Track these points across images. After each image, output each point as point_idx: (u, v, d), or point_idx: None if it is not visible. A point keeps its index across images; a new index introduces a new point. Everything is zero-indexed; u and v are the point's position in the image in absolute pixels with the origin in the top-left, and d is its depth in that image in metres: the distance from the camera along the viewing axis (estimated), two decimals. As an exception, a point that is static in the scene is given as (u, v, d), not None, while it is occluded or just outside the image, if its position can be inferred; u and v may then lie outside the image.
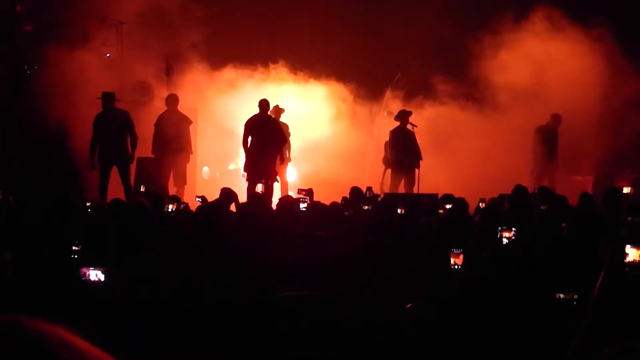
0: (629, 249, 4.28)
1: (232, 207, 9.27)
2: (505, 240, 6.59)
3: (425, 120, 15.91)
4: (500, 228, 6.76)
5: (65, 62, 13.89)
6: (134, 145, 12.94)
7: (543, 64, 15.92)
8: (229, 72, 16.43)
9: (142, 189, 12.26)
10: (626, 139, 15.38)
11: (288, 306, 4.88)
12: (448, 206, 9.71)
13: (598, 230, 5.86)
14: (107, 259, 5.33)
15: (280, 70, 16.84)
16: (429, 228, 6.86)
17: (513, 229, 6.71)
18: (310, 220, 8.36)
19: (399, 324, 4.20)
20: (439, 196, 10.96)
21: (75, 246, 6.17)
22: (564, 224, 6.23)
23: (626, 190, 12.65)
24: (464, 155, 15.65)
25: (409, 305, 4.25)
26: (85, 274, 4.95)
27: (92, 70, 14.34)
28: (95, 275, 4.95)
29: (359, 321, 4.43)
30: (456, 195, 10.46)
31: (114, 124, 12.79)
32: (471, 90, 16.63)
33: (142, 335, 4.36)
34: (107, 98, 12.86)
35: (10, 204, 8.34)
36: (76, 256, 6.12)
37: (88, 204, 9.24)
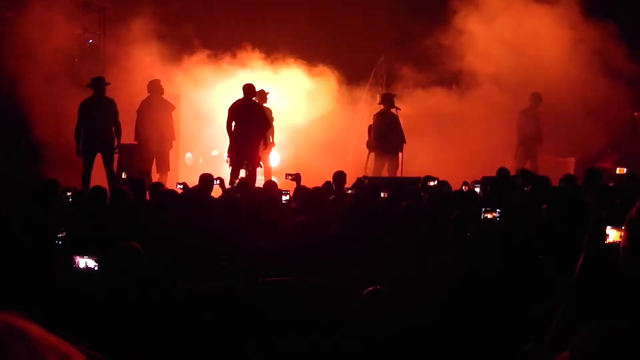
0: (609, 229, 4.29)
1: (213, 193, 9.26)
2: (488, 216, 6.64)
3: (409, 104, 15.93)
4: (483, 209, 6.80)
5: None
6: (118, 135, 12.85)
7: (524, 45, 15.92)
8: (209, 57, 16.37)
9: (124, 175, 12.21)
10: (610, 119, 15.43)
11: (268, 292, 4.88)
12: (431, 183, 9.75)
13: (579, 211, 5.89)
14: (94, 246, 5.29)
15: (258, 54, 16.78)
16: (409, 212, 6.87)
17: (497, 210, 6.74)
18: (293, 206, 8.36)
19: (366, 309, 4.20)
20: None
21: (59, 233, 6.14)
22: (544, 206, 6.25)
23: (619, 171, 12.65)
24: (448, 139, 15.67)
25: (366, 290, 4.25)
26: (75, 261, 4.91)
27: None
28: (85, 263, 4.91)
29: (339, 307, 4.42)
30: (441, 178, 10.50)
31: (101, 111, 12.67)
32: (455, 73, 16.63)
33: (128, 325, 4.35)
34: (98, 83, 12.74)
35: None
36: (60, 242, 6.09)
37: (69, 193, 9.16)
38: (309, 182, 10.53)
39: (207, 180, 9.88)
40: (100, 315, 4.30)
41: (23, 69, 13.41)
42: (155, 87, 13.66)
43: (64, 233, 6.21)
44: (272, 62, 16.87)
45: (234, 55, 16.65)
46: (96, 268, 4.80)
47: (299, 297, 4.88)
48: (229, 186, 10.92)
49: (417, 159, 14.51)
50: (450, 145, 15.41)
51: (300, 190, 9.52)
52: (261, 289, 5.01)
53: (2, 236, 6.03)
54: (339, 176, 10.72)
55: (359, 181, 11.34)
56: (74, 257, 4.86)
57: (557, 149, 15.97)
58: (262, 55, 16.86)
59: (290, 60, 16.95)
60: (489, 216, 6.74)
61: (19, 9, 14.04)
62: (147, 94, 13.64)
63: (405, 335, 4.10)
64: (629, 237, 2.86)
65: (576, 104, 15.01)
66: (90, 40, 15.85)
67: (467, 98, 16.37)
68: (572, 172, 13.09)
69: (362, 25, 17.32)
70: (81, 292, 4.63)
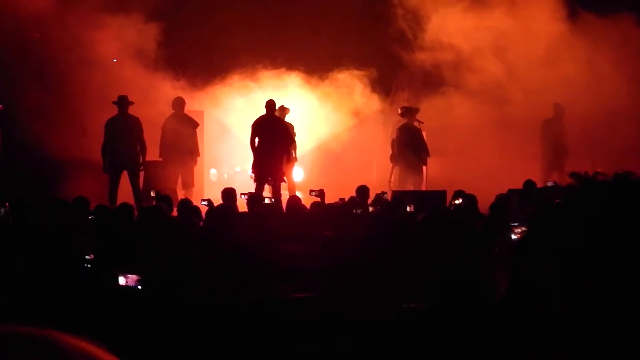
0: None
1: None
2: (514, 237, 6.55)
3: (434, 115, 15.86)
4: (512, 224, 6.70)
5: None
6: (143, 152, 12.99)
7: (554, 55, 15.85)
8: (234, 75, 16.46)
9: (153, 193, 12.24)
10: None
11: (294, 307, 4.89)
12: (457, 202, 9.71)
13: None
14: (130, 263, 5.30)
15: (281, 70, 16.83)
16: (426, 225, 6.86)
17: (522, 229, 6.64)
18: (319, 221, 8.37)
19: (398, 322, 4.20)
20: (447, 193, 10.95)
21: (87, 255, 6.14)
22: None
23: None
24: (472, 151, 15.60)
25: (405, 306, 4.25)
26: (115, 278, 4.91)
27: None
28: (125, 280, 4.92)
29: (363, 320, 4.43)
30: (467, 191, 10.44)
31: (126, 129, 12.84)
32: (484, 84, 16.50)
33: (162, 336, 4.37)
34: (123, 102, 12.91)
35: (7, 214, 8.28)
36: (89, 265, 6.09)
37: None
38: (333, 196, 10.55)
39: (229, 194, 9.93)
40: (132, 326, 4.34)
41: (48, 86, 13.61)
42: (179, 104, 13.77)
43: (92, 255, 6.21)
44: (293, 77, 16.91)
45: (256, 72, 16.71)
46: (133, 285, 4.83)
47: (323, 311, 4.90)
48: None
49: (442, 172, 14.48)
50: (475, 157, 15.33)
51: (322, 205, 9.52)
52: (288, 304, 5.03)
53: (34, 254, 6.09)
54: (363, 191, 10.74)
55: (379, 197, 11.33)
56: (117, 274, 4.88)
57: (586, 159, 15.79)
58: (284, 70, 16.90)
59: (313, 75, 16.98)
60: (517, 231, 6.65)
61: (45, 30, 14.24)
62: (171, 111, 13.76)
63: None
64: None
65: (605, 113, 14.87)
66: (115, 60, 15.99)
67: (491, 109, 16.28)
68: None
69: (383, 39, 17.29)
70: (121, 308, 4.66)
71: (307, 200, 10.96)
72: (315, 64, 16.96)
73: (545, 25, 16.03)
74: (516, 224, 6.67)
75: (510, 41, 16.07)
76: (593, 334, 2.00)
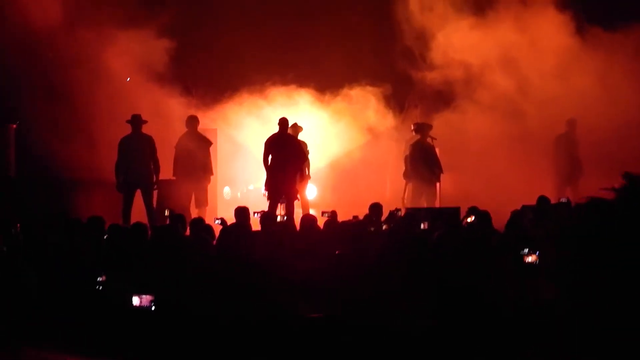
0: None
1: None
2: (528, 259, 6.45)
3: (446, 131, 15.83)
4: (524, 251, 6.57)
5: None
6: (157, 171, 13.03)
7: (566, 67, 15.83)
8: (245, 93, 16.51)
9: (167, 212, 12.23)
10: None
11: (308, 326, 4.88)
12: (469, 219, 9.66)
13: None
14: (144, 283, 5.30)
15: (293, 88, 16.87)
16: (441, 242, 6.83)
17: (537, 252, 6.54)
18: (332, 239, 8.35)
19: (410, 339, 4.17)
20: (461, 209, 10.89)
21: (100, 277, 6.13)
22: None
23: None
24: (486, 166, 15.54)
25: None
26: (129, 298, 4.91)
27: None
28: (139, 300, 4.91)
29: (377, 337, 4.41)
30: (480, 207, 10.38)
31: (140, 148, 12.91)
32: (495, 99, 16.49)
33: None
34: (136, 120, 12.98)
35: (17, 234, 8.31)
36: (101, 287, 6.08)
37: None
38: (347, 213, 10.53)
39: (242, 213, 9.92)
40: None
41: (62, 104, 13.70)
42: (192, 123, 13.81)
43: (104, 277, 6.20)
44: (304, 94, 16.95)
45: (267, 89, 16.76)
46: (153, 307, 4.81)
47: (339, 332, 4.88)
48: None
49: (455, 188, 14.44)
50: (488, 173, 15.27)
51: (336, 223, 9.49)
52: (303, 323, 5.01)
53: (48, 274, 6.10)
54: (376, 208, 10.72)
55: (392, 214, 11.30)
56: (131, 294, 4.87)
57: (600, 175, 15.71)
58: (295, 87, 16.94)
59: (325, 92, 17.02)
60: (530, 259, 6.55)
61: (59, 50, 14.35)
62: (184, 129, 13.81)
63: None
64: None
65: (617, 126, 14.82)
66: (128, 79, 16.08)
67: (504, 124, 16.24)
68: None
69: (393, 56, 17.29)
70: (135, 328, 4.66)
71: (319, 220, 10.92)
72: (327, 81, 17.00)
73: (553, 39, 16.01)
74: (526, 251, 6.52)
75: (520, 55, 16.07)
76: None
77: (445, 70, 16.33)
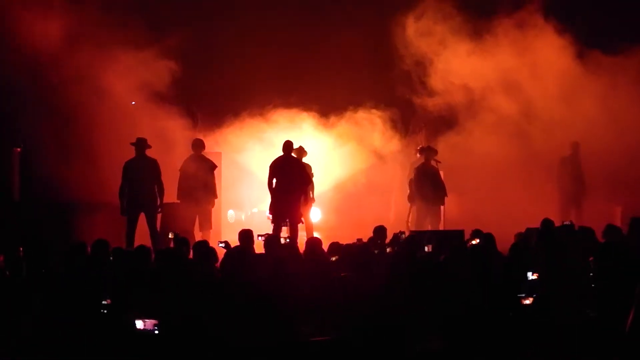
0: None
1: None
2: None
3: (450, 154, 15.85)
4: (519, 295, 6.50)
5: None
6: (161, 194, 13.04)
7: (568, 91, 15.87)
8: (248, 117, 16.57)
9: (171, 235, 12.22)
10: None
11: (313, 350, 4.86)
12: (474, 242, 9.63)
13: (625, 262, 5.78)
14: (148, 307, 5.29)
15: (296, 111, 16.91)
16: (447, 264, 6.82)
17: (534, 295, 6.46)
18: (337, 262, 8.34)
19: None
20: (465, 232, 10.88)
21: (104, 301, 6.12)
22: (591, 258, 6.15)
23: None
24: (490, 189, 15.54)
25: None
26: (133, 322, 4.89)
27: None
28: (143, 324, 4.90)
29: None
30: (484, 229, 10.37)
31: (144, 171, 12.93)
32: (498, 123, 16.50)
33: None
34: (141, 144, 13.01)
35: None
36: (105, 311, 6.07)
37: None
38: (351, 236, 10.51)
39: (246, 236, 9.90)
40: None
41: (66, 128, 13.75)
42: (198, 146, 13.85)
43: (109, 300, 6.19)
44: (307, 118, 16.99)
45: (269, 112, 16.81)
46: (157, 331, 4.80)
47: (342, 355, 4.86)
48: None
49: (460, 211, 14.45)
50: (492, 196, 15.27)
51: (338, 246, 9.47)
52: (307, 346, 4.99)
53: (52, 298, 6.09)
54: (380, 231, 10.71)
55: (396, 236, 11.28)
56: (134, 318, 4.86)
57: (604, 197, 15.70)
58: (298, 111, 16.98)
59: (329, 116, 17.06)
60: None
61: (62, 73, 14.44)
62: (188, 152, 13.84)
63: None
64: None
65: (621, 149, 14.84)
66: (133, 102, 16.14)
67: (508, 147, 16.25)
68: (618, 221, 12.89)
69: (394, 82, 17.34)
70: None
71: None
72: (329, 106, 17.05)
73: (554, 63, 16.07)
74: (523, 295, 6.44)
75: (521, 79, 16.12)
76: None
77: (446, 96, 16.38)
